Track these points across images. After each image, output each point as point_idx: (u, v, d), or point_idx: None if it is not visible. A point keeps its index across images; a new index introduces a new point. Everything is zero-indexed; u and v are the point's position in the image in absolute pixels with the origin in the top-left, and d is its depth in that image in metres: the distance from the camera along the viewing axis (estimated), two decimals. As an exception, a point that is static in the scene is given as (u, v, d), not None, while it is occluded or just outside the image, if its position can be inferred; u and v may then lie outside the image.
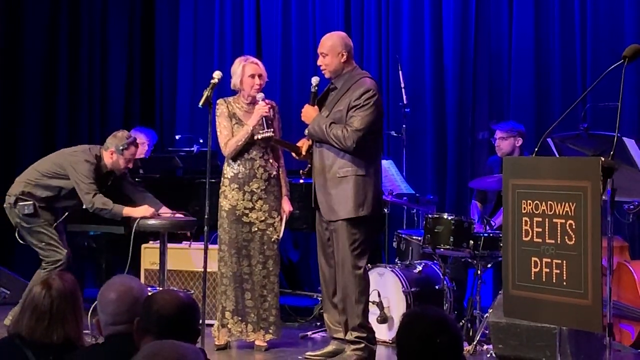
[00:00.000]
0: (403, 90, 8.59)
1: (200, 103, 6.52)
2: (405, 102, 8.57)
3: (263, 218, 6.99)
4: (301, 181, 7.75)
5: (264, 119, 6.90)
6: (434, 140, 9.40)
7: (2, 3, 9.40)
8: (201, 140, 8.77)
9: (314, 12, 10.06)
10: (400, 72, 8.70)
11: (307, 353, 6.77)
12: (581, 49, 8.82)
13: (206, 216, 6.50)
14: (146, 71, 10.86)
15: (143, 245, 8.01)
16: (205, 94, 6.49)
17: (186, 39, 10.71)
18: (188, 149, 9.08)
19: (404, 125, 8.60)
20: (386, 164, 8.18)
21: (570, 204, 4.48)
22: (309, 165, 6.71)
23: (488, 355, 6.92)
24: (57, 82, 10.09)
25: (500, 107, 9.23)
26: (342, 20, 9.85)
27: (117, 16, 10.62)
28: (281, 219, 7.05)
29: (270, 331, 7.02)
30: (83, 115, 10.28)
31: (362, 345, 6.52)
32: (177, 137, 9.77)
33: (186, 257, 7.93)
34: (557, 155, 5.39)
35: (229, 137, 6.94)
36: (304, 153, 6.73)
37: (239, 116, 7.02)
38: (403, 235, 7.96)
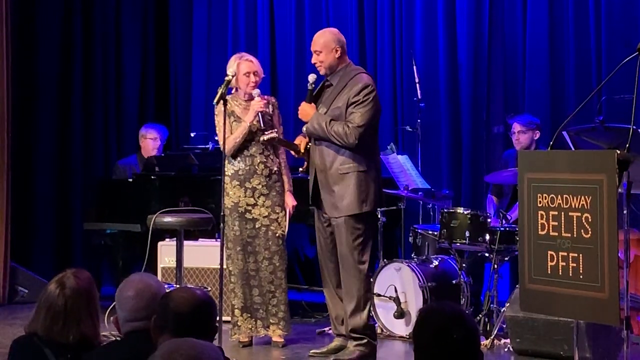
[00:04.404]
0: (417, 85, 8.59)
1: (215, 100, 6.55)
2: (419, 97, 8.57)
3: (266, 214, 7.00)
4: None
5: (260, 114, 6.92)
6: (449, 135, 9.38)
7: (15, 4, 9.42)
8: (216, 138, 8.77)
9: (327, 9, 10.05)
10: (414, 67, 8.69)
11: (312, 350, 6.78)
12: (596, 41, 8.78)
13: (222, 213, 6.52)
14: (160, 69, 10.87)
15: (159, 243, 8.03)
16: (220, 91, 6.51)
17: (200, 37, 10.72)
18: (203, 146, 9.10)
19: (418, 120, 8.60)
20: (402, 159, 8.18)
21: (586, 197, 4.47)
22: (306, 163, 6.73)
23: (505, 350, 6.92)
24: (72, 81, 10.12)
25: (515, 100, 9.20)
26: (356, 17, 9.83)
27: (131, 15, 10.63)
28: (285, 215, 7.06)
29: (280, 326, 7.03)
30: (98, 114, 10.31)
31: (365, 340, 6.55)
32: (192, 134, 9.79)
33: (202, 254, 7.94)
34: (573, 149, 5.38)
35: (227, 134, 6.94)
36: (302, 151, 6.74)
37: (237, 113, 7.04)
38: (419, 230, 7.96)
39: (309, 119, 6.54)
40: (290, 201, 7.08)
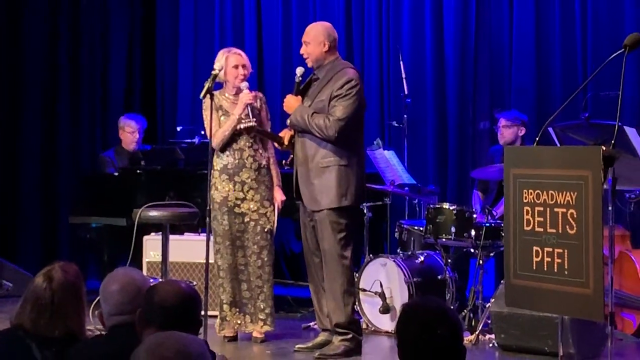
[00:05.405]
0: (404, 80, 8.59)
1: (202, 94, 6.55)
2: (406, 92, 8.57)
3: (255, 208, 6.99)
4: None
5: (249, 107, 6.92)
6: (435, 131, 9.40)
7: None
8: (202, 132, 8.77)
9: (314, 4, 10.05)
10: (401, 62, 8.70)
11: (298, 345, 6.80)
12: (582, 37, 8.81)
13: (208, 207, 6.52)
14: (147, 63, 10.85)
15: (145, 237, 8.01)
16: (206, 85, 6.51)
17: (187, 31, 10.70)
18: (189, 140, 9.08)
19: (405, 116, 8.60)
20: (388, 155, 8.18)
21: (572, 193, 4.48)
22: (291, 156, 6.75)
23: (490, 345, 6.94)
24: (58, 76, 10.11)
25: (501, 96, 9.22)
26: (343, 12, 9.83)
27: (118, 9, 10.61)
28: (274, 209, 7.06)
29: (268, 322, 7.02)
30: (84, 108, 10.30)
31: (350, 335, 6.57)
32: (178, 128, 9.77)
33: (188, 248, 7.94)
34: (558, 145, 5.40)
35: (215, 128, 6.92)
36: (286, 143, 6.76)
37: (225, 108, 7.03)
38: (405, 226, 7.97)
39: (293, 111, 6.56)
40: (279, 196, 7.08)
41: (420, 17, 9.49)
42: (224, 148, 6.99)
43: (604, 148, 4.38)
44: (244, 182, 6.98)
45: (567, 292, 4.52)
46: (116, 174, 8.71)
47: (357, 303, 7.22)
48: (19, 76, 9.90)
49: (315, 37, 6.61)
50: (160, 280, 7.07)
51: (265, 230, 7.01)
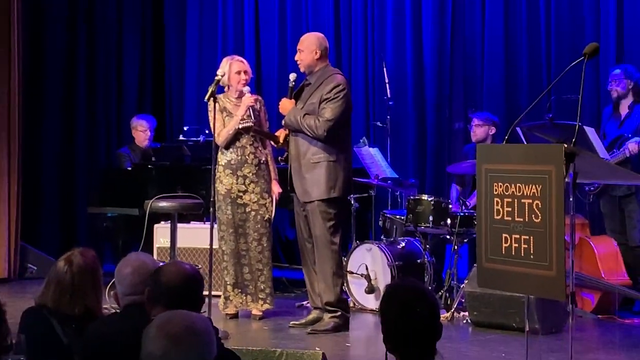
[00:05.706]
0: (387, 85, 8.60)
1: (206, 97, 6.55)
2: (389, 95, 8.58)
3: (256, 199, 6.99)
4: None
5: (250, 109, 6.93)
6: (415, 130, 9.41)
7: (26, 11, 9.37)
8: (207, 131, 8.76)
9: (307, 16, 10.03)
10: (384, 69, 8.71)
11: (292, 322, 6.81)
12: (546, 46, 8.83)
13: (212, 199, 6.53)
14: (157, 69, 10.85)
15: (155, 225, 8.02)
16: (210, 89, 6.51)
17: (192, 41, 10.68)
18: (195, 138, 9.08)
19: (388, 117, 8.61)
20: (373, 151, 8.20)
21: (537, 186, 4.49)
22: (286, 153, 6.77)
23: (464, 322, 6.95)
24: (76, 79, 10.11)
25: (474, 99, 9.23)
26: (332, 24, 9.83)
27: (131, 21, 10.61)
28: (272, 200, 7.07)
29: (268, 301, 7.04)
30: (100, 110, 10.30)
31: (339, 313, 6.60)
32: (185, 128, 9.75)
33: (194, 235, 7.94)
34: (525, 142, 5.41)
35: (220, 128, 6.93)
36: (281, 141, 6.78)
37: (229, 109, 7.03)
38: (388, 215, 7.99)
39: (287, 113, 6.59)
40: (276, 189, 7.09)
41: (402, 28, 9.49)
42: (228, 146, 7.00)
43: (566, 145, 4.39)
44: (245, 176, 6.99)
45: (532, 274, 4.52)
46: (129, 168, 8.72)
47: (345, 284, 7.24)
48: (41, 80, 9.88)
49: (309, 46, 6.62)
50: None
51: (265, 219, 7.02)
